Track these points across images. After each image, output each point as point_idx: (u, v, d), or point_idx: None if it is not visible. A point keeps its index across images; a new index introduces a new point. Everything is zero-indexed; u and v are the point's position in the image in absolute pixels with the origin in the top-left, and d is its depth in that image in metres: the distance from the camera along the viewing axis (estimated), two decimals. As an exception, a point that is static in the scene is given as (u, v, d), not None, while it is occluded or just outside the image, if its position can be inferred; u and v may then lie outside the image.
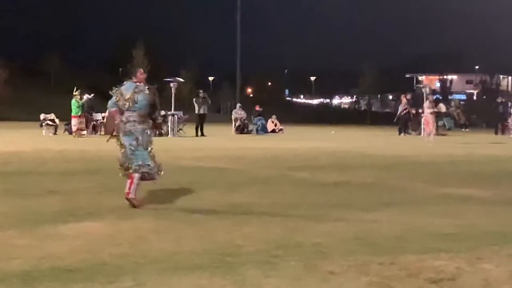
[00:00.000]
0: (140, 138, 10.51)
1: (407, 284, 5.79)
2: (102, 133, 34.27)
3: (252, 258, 6.72)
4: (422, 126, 43.67)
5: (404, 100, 44.18)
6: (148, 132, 10.69)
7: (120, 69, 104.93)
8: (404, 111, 42.97)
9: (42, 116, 35.59)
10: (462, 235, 8.07)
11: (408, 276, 6.04)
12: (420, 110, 45.49)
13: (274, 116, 44.73)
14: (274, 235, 7.98)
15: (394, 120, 44.01)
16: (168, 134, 35.20)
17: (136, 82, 10.76)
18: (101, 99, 42.78)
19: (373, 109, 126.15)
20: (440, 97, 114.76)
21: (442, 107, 35.52)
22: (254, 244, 7.41)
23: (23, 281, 5.67)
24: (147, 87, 10.75)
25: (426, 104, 34.21)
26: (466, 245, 7.43)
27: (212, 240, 7.59)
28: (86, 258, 6.59)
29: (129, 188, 10.15)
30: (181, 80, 41.89)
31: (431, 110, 32.86)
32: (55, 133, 34.44)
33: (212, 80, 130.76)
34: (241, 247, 7.24)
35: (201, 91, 38.74)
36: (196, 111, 37.12)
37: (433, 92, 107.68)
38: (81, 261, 6.45)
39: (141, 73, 10.93)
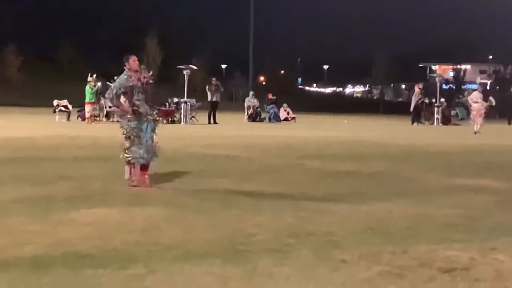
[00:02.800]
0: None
1: (419, 274, 5.77)
2: (115, 119, 34.28)
3: (264, 246, 6.70)
4: (436, 116, 43.66)
5: (417, 90, 44.10)
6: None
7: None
8: (419, 101, 42.91)
9: (55, 103, 35.67)
10: (475, 226, 8.04)
11: (420, 266, 6.02)
12: (433, 100, 45.46)
13: (285, 105, 44.69)
14: (286, 223, 7.96)
15: (411, 110, 43.91)
16: (180, 122, 35.26)
17: (128, 69, 10.80)
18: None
19: (386, 98, 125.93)
20: (454, 87, 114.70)
21: (493, 101, 35.33)
22: (265, 232, 7.39)
23: (35, 267, 5.67)
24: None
25: (475, 94, 34.10)
26: (479, 236, 7.39)
27: (223, 228, 7.58)
28: (97, 245, 6.59)
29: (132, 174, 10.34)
30: (194, 67, 41.87)
31: (481, 103, 32.91)
32: (68, 120, 34.51)
33: (225, 68, 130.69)
34: (252, 236, 7.22)
35: (213, 78, 38.76)
36: (209, 99, 37.14)
37: (446, 81, 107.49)
38: (92, 248, 6.45)
39: (133, 60, 10.92)
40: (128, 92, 10.74)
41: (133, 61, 10.89)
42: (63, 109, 35.04)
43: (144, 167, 10.84)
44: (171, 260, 6.08)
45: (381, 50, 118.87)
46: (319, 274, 5.73)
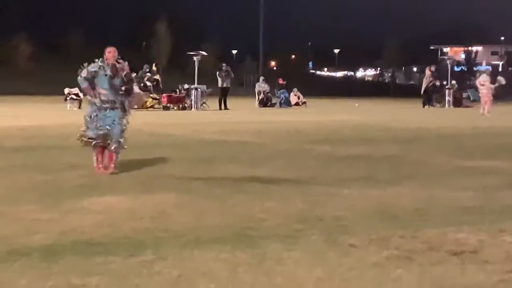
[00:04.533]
0: None
1: (428, 257, 5.77)
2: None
3: (273, 232, 6.72)
4: (447, 98, 43.53)
5: (428, 72, 43.97)
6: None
7: (144, 43, 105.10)
8: (430, 83, 42.80)
9: (66, 91, 35.68)
10: (485, 208, 8.04)
11: (429, 249, 6.02)
12: (444, 83, 45.31)
13: (296, 89, 44.65)
14: (295, 209, 7.97)
15: (421, 93, 43.79)
16: (191, 108, 35.28)
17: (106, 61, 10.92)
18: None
19: (397, 82, 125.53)
20: (465, 69, 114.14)
21: (502, 80, 35.12)
22: (275, 218, 7.41)
23: (45, 255, 5.70)
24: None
25: (483, 77, 34.01)
26: (489, 218, 7.39)
27: (233, 214, 7.61)
28: (107, 232, 6.62)
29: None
30: (204, 53, 41.80)
31: (489, 86, 32.87)
32: (79, 107, 34.49)
33: (235, 54, 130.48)
34: (262, 221, 7.24)
35: (224, 64, 38.67)
36: (219, 85, 37.09)
37: (458, 63, 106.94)
38: (102, 235, 6.48)
39: (108, 51, 11.00)
40: (94, 78, 10.88)
41: (108, 52, 10.97)
42: (74, 97, 35.02)
43: (101, 150, 11.00)
44: (180, 246, 6.10)
45: (392, 33, 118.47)
46: (328, 259, 5.73)
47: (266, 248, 6.02)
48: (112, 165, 10.92)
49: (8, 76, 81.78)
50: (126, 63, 11.16)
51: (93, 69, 10.87)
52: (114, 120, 10.92)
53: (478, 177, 10.61)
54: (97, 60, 10.99)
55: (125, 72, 10.96)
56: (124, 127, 11.08)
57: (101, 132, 10.86)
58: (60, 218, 7.28)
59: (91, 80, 10.91)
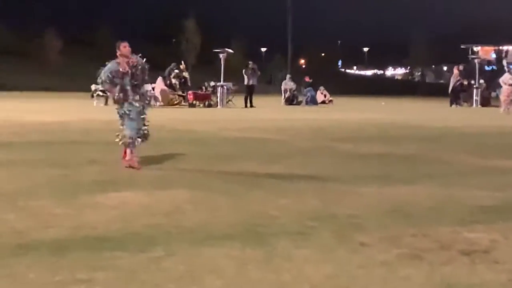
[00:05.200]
0: None
1: (438, 256, 5.73)
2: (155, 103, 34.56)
3: (285, 229, 6.71)
4: (474, 98, 43.24)
5: (456, 71, 43.70)
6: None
7: (174, 40, 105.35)
8: (458, 82, 42.55)
9: (93, 87, 35.81)
10: (501, 207, 7.97)
11: (440, 248, 5.98)
12: (472, 82, 44.99)
13: (322, 88, 44.60)
14: (310, 206, 7.95)
15: (449, 92, 43.54)
16: (217, 105, 35.33)
17: (120, 55, 10.98)
18: (153, 70, 43.15)
19: (427, 80, 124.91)
20: (495, 68, 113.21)
21: None
22: (288, 215, 7.40)
23: (54, 249, 5.73)
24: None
25: (506, 76, 33.89)
26: (503, 217, 7.33)
27: (246, 211, 7.60)
28: (119, 228, 6.64)
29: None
30: (231, 51, 41.87)
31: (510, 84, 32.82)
32: (106, 104, 34.65)
33: (265, 51, 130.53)
34: (275, 218, 7.23)
35: (250, 62, 38.73)
36: (246, 82, 37.16)
37: (489, 62, 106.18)
38: (114, 231, 6.50)
39: (123, 46, 11.04)
40: (116, 77, 10.90)
41: (123, 47, 11.01)
42: (100, 93, 35.14)
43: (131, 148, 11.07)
44: (191, 242, 6.11)
45: (422, 31, 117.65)
46: (337, 257, 5.72)
47: (276, 245, 6.01)
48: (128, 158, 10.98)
49: (37, 71, 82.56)
50: (138, 56, 11.22)
51: (109, 72, 10.93)
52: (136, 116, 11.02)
53: (497, 176, 10.53)
54: (111, 60, 11.07)
55: (140, 66, 11.02)
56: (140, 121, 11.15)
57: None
58: (74, 213, 7.31)
59: (112, 80, 10.97)
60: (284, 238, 6.29)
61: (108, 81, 11.00)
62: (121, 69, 10.90)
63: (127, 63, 10.92)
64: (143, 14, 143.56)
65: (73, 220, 6.95)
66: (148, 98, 11.56)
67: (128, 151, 11.01)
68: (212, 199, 8.32)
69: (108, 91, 11.45)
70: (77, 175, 10.04)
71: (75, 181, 9.55)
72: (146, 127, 11.28)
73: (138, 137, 11.05)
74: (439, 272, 5.29)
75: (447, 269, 5.40)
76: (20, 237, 6.20)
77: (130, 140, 10.95)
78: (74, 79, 73.70)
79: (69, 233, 6.40)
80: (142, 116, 11.16)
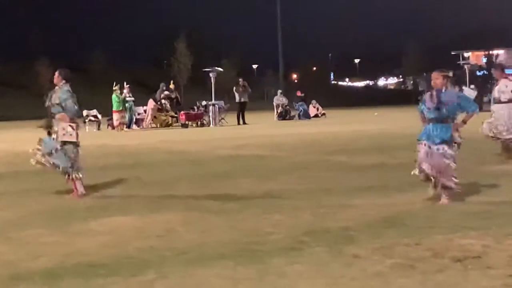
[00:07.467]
0: None
1: (431, 264, 5.72)
2: (148, 126, 34.56)
3: (279, 245, 6.69)
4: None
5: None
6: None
7: (165, 61, 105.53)
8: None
9: (85, 113, 35.86)
10: (494, 213, 7.97)
11: (433, 256, 5.97)
12: (463, 87, 45.03)
13: (314, 101, 44.72)
14: (304, 221, 7.94)
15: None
16: (209, 124, 35.30)
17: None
18: (147, 93, 43.09)
19: (420, 89, 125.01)
20: (487, 73, 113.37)
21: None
22: (282, 231, 7.38)
23: (45, 279, 5.70)
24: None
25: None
26: (497, 223, 7.32)
27: (240, 229, 7.58)
28: (112, 253, 6.61)
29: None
30: (220, 69, 41.94)
31: None
32: (98, 129, 34.69)
33: (256, 68, 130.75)
34: (269, 235, 7.22)
35: (241, 79, 38.81)
36: (237, 100, 37.19)
37: (479, 68, 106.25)
38: (106, 256, 6.47)
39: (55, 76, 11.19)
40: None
41: (56, 77, 11.08)
42: (92, 119, 35.27)
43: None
44: (184, 264, 6.09)
45: (413, 40, 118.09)
46: (331, 270, 5.70)
47: (269, 263, 5.99)
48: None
49: (31, 101, 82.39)
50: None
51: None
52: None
53: (491, 181, 10.52)
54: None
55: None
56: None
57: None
58: (66, 241, 7.28)
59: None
60: (278, 254, 6.28)
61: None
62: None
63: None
64: (135, 40, 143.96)
65: (64, 248, 6.91)
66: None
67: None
68: (205, 219, 8.29)
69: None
70: (71, 203, 10.02)
71: (69, 208, 9.49)
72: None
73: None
74: (432, 281, 5.28)
75: (440, 277, 5.38)
76: (11, 267, 6.17)
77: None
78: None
79: (61, 261, 6.35)
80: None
